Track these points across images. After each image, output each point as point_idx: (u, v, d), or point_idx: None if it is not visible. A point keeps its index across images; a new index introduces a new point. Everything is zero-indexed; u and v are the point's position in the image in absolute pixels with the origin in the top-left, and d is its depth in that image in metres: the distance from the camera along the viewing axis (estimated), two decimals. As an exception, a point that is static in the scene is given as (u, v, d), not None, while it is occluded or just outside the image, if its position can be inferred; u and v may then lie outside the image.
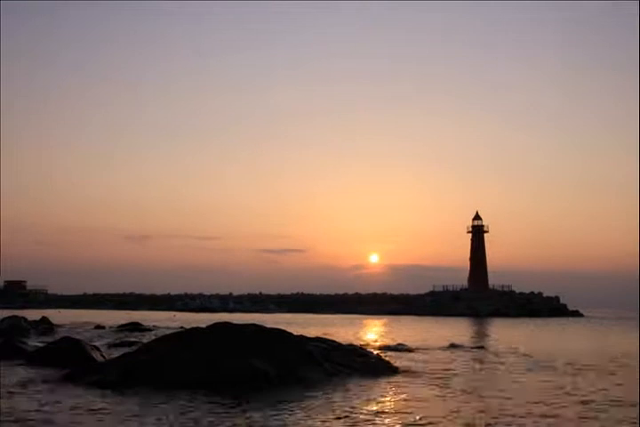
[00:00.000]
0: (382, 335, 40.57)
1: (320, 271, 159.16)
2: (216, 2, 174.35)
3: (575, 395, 15.28)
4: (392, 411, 13.05)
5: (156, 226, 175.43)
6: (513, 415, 12.59)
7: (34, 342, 26.64)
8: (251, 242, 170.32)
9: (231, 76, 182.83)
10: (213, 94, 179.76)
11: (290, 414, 12.44)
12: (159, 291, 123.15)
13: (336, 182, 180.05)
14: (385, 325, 58.21)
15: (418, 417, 12.32)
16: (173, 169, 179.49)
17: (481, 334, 43.68)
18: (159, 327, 42.58)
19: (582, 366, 21.76)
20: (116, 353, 21.36)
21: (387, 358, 21.53)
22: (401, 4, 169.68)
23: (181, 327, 35.57)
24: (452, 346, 29.74)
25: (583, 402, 14.29)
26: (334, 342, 20.15)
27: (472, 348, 29.44)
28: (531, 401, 14.25)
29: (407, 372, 19.39)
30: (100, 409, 12.68)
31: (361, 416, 12.40)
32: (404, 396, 14.88)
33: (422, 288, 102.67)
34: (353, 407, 13.23)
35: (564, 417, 12.55)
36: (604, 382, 17.55)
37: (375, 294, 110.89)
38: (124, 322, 45.13)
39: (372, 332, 46.21)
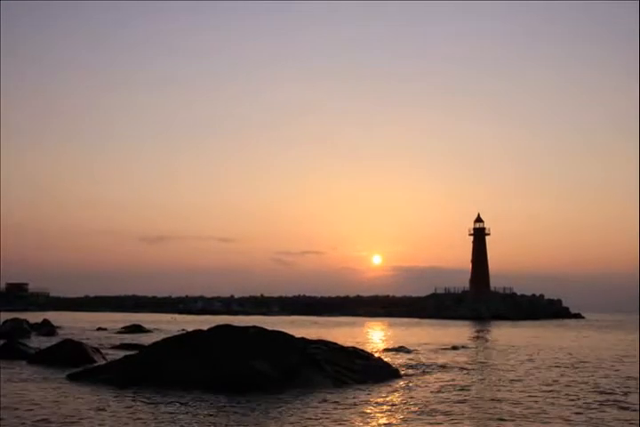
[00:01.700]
0: (384, 338, 40.54)
1: (330, 274, 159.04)
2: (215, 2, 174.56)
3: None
4: (391, 414, 13.02)
5: (168, 228, 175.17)
6: None
7: (35, 345, 26.66)
8: (268, 244, 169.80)
9: (235, 71, 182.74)
10: (222, 94, 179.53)
11: (289, 416, 12.43)
12: (160, 293, 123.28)
13: (338, 186, 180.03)
14: (387, 327, 58.17)
15: (417, 421, 12.30)
16: (175, 170, 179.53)
17: (483, 337, 43.62)
18: (161, 330, 42.61)
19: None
20: (118, 355, 21.35)
21: (388, 361, 21.49)
22: (409, 3, 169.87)
23: (182, 330, 35.56)
24: (454, 348, 29.70)
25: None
26: (336, 344, 20.09)
27: (474, 349, 29.40)
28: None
29: (408, 375, 19.36)
30: (102, 410, 12.69)
31: (360, 418, 12.40)
32: (403, 398, 14.85)
33: (424, 291, 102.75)
34: (352, 409, 13.21)
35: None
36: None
37: (377, 297, 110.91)
38: (125, 324, 45.14)
39: (374, 334, 46.18)
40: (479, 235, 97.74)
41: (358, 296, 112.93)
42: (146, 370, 16.27)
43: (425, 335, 42.60)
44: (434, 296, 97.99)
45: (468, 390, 16.38)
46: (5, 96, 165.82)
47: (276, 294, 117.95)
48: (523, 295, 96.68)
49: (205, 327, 18.81)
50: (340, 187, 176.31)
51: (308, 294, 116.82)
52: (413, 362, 23.15)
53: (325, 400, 14.27)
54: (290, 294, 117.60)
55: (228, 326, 18.33)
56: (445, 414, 12.92)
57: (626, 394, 15.77)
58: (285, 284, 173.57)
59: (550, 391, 16.15)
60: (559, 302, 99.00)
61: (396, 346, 29.97)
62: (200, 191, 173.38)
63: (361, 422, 12.12)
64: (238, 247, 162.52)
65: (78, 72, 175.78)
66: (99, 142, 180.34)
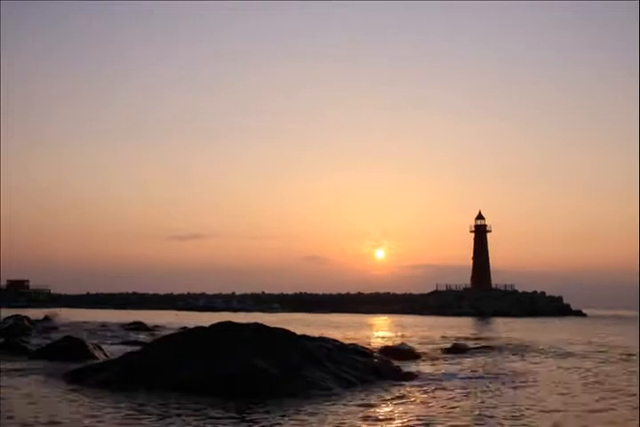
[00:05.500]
0: (385, 335, 40.52)
1: (330, 272, 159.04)
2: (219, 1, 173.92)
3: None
4: (393, 415, 12.98)
5: (184, 226, 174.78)
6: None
7: (36, 341, 26.64)
8: (293, 242, 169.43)
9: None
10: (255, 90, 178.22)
11: (291, 415, 12.40)
12: (162, 291, 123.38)
13: (338, 182, 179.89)
14: (388, 324, 58.17)
15: (419, 422, 12.24)
16: (176, 168, 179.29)
17: (485, 334, 43.58)
18: (162, 327, 42.62)
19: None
20: (119, 352, 21.33)
21: (389, 359, 21.44)
22: (405, 3, 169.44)
23: (184, 327, 35.54)
24: (455, 346, 29.63)
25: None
26: (337, 341, 20.05)
27: (476, 348, 29.36)
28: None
29: (409, 372, 19.32)
30: (102, 409, 12.65)
31: (366, 418, 12.36)
32: (404, 398, 14.80)
33: (426, 288, 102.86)
34: (357, 409, 13.17)
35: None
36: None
37: (378, 294, 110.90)
38: (127, 321, 45.13)
39: (376, 331, 46.15)
40: (480, 232, 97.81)
41: (359, 293, 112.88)
42: (146, 367, 16.23)
43: (426, 333, 42.56)
44: (435, 293, 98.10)
45: (472, 392, 16.35)
46: (9, 92, 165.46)
47: (277, 292, 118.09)
48: (524, 292, 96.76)
49: (207, 324, 18.77)
50: (341, 185, 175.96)
51: (309, 292, 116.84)
52: (414, 360, 23.10)
53: (325, 398, 14.24)
54: (291, 292, 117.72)
55: (229, 323, 18.28)
56: (449, 416, 12.89)
57: None
58: (288, 283, 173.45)
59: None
60: (560, 298, 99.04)
61: (397, 344, 29.91)
62: (231, 189, 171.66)
63: (366, 422, 12.07)
64: (268, 245, 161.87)
65: (92, 67, 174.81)
66: (119, 139, 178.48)
